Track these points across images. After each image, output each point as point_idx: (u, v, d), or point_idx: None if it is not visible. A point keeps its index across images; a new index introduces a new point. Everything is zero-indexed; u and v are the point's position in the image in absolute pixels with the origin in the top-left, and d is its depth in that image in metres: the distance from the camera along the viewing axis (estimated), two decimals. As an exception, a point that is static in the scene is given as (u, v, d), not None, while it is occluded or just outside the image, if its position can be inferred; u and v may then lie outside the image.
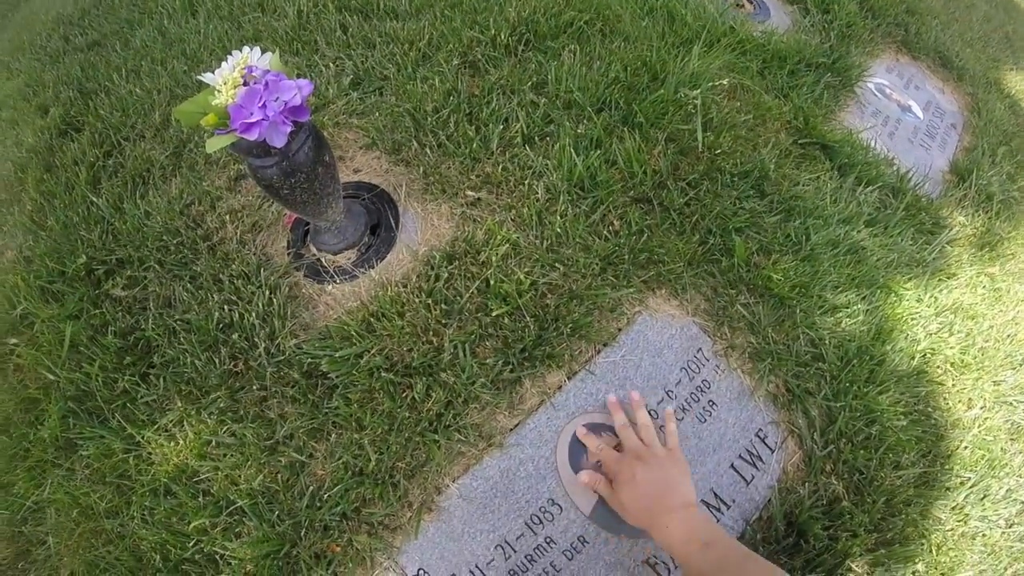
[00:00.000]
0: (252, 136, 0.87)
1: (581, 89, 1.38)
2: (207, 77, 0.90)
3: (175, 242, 1.35)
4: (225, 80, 0.89)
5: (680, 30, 1.61)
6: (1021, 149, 2.06)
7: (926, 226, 1.57)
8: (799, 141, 1.54)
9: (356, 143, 1.38)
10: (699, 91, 1.36)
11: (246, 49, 0.91)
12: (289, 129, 0.91)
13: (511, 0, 1.57)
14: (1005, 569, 1.23)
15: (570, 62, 1.44)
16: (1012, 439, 1.38)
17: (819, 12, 2.02)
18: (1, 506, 1.26)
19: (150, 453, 1.15)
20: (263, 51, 0.91)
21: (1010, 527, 1.27)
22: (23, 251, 1.55)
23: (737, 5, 1.94)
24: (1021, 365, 1.49)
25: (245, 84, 0.89)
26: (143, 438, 1.15)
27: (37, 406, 1.30)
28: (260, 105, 0.88)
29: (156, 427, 1.16)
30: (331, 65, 1.51)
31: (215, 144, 0.90)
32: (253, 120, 0.87)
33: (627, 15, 1.61)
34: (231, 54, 0.91)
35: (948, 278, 1.52)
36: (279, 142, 0.90)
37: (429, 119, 1.34)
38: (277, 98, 0.89)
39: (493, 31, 1.48)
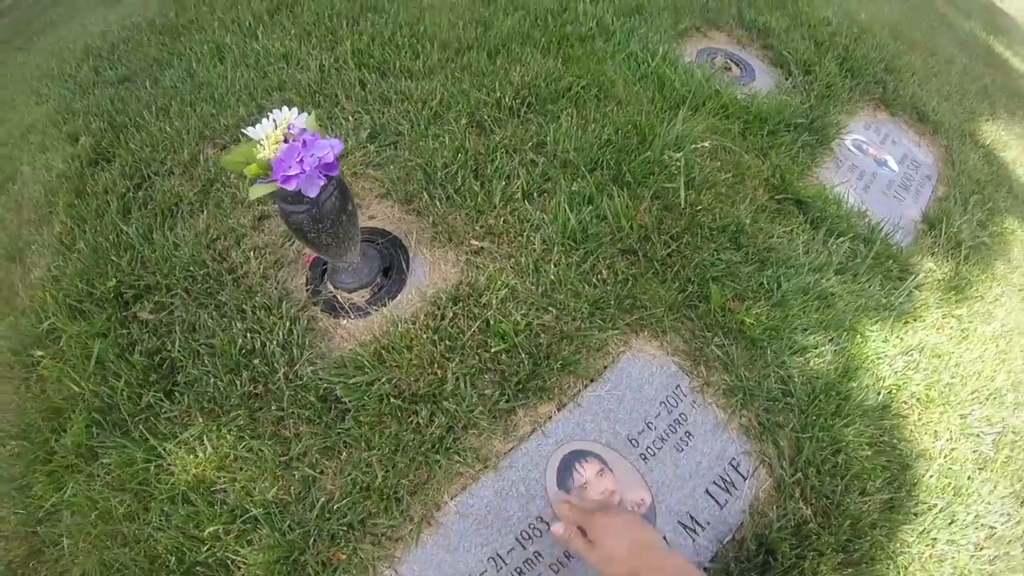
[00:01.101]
0: (290, 187, 1.07)
1: (577, 150, 1.60)
2: (250, 131, 1.09)
3: (202, 273, 1.52)
4: (268, 136, 1.08)
5: (669, 95, 1.84)
6: (994, 196, 2.27)
7: (894, 272, 1.76)
8: (775, 197, 1.75)
9: (372, 192, 1.58)
10: (682, 153, 1.57)
11: (286, 109, 1.10)
12: (322, 183, 1.11)
13: (515, 65, 1.80)
14: None
15: (567, 124, 1.66)
16: (979, 468, 1.54)
17: (801, 74, 2.25)
18: (18, 506, 1.38)
19: (170, 464, 1.29)
20: (300, 110, 1.10)
21: (980, 551, 1.41)
22: (51, 270, 1.71)
23: (725, 68, 2.18)
24: (988, 399, 1.66)
25: (285, 140, 1.08)
26: (164, 450, 1.29)
27: (60, 415, 1.44)
28: (298, 160, 1.08)
29: (177, 440, 1.31)
30: (350, 118, 1.72)
31: (257, 192, 1.09)
32: (292, 173, 1.07)
33: (621, 81, 1.85)
34: (272, 111, 1.10)
35: (915, 320, 1.70)
36: (312, 193, 1.10)
37: (439, 173, 1.54)
38: (313, 155, 1.09)
39: (499, 93, 1.70)
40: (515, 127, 1.67)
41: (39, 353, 1.55)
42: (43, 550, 1.33)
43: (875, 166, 2.12)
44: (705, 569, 1.23)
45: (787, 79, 2.22)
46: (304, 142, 1.09)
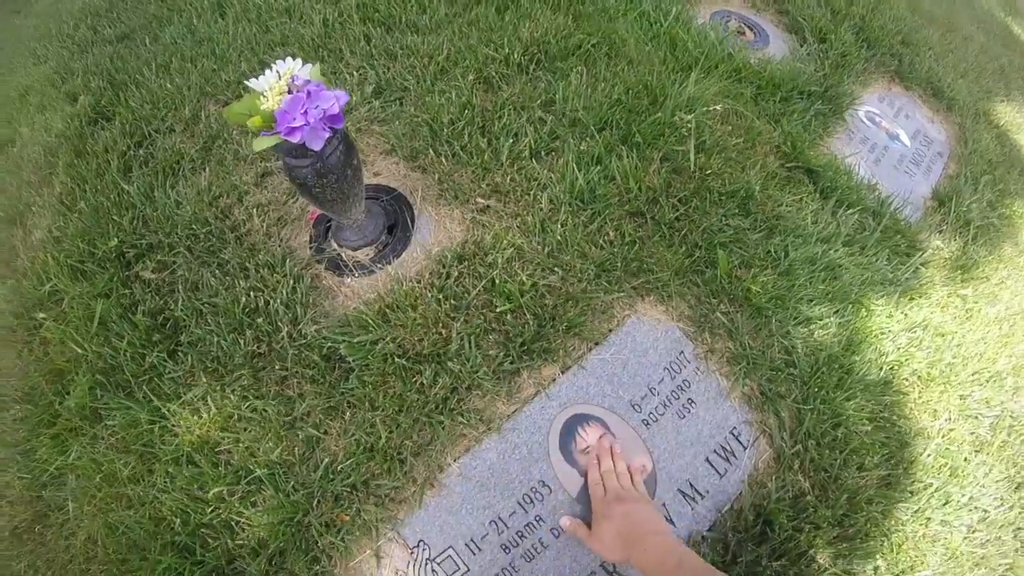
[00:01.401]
0: (294, 139, 1.04)
1: (586, 109, 1.56)
2: (253, 83, 1.07)
3: (204, 231, 1.51)
4: (272, 87, 1.05)
5: (681, 56, 1.79)
6: (1005, 178, 2.24)
7: (902, 248, 1.74)
8: (786, 164, 1.72)
9: (377, 148, 1.56)
10: (693, 115, 1.54)
11: (290, 60, 1.07)
12: (327, 135, 1.08)
13: (524, 21, 1.75)
14: (966, 573, 1.38)
15: (577, 83, 1.62)
16: (976, 451, 1.55)
17: (816, 41, 2.20)
18: (22, 471, 1.39)
19: (175, 425, 1.29)
20: (304, 62, 1.07)
21: (972, 533, 1.43)
22: (52, 231, 1.70)
23: (739, 32, 2.12)
24: (988, 381, 1.65)
25: (289, 92, 1.06)
26: (168, 411, 1.29)
27: (64, 378, 1.44)
28: (302, 112, 1.05)
29: (181, 401, 1.31)
30: (355, 73, 1.68)
31: (261, 144, 1.07)
32: (296, 125, 1.04)
33: (632, 40, 1.80)
34: (275, 63, 1.07)
35: (920, 297, 1.69)
36: (317, 146, 1.07)
37: (445, 130, 1.52)
38: (317, 106, 1.06)
39: (507, 50, 1.66)
40: (523, 84, 1.63)
41: (42, 315, 1.55)
42: (48, 514, 1.35)
43: (887, 139, 2.08)
44: (703, 537, 1.24)
45: (801, 46, 2.17)
46: (308, 93, 1.06)
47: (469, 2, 1.89)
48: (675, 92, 1.63)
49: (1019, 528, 1.49)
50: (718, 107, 1.61)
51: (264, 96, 1.05)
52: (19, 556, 1.35)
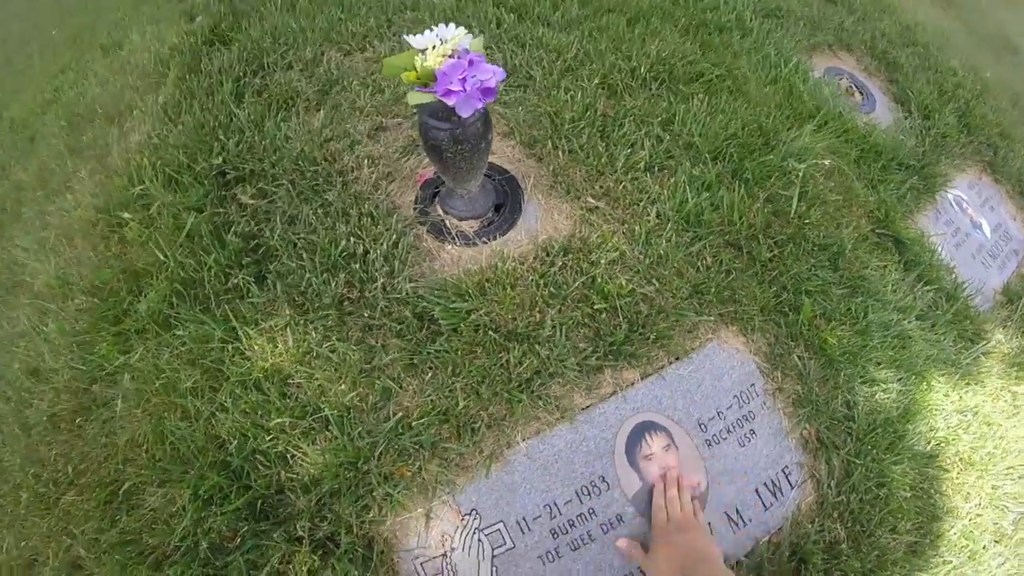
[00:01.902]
0: (450, 101, 1.10)
1: (702, 135, 1.63)
2: (412, 39, 1.12)
3: (311, 169, 1.56)
4: (434, 47, 1.11)
5: (796, 104, 1.86)
6: None
7: (968, 333, 1.80)
8: (877, 230, 1.78)
9: (496, 128, 1.61)
10: (804, 165, 1.60)
11: (452, 26, 1.12)
12: (479, 105, 1.14)
13: (653, 38, 1.82)
14: None
15: (697, 108, 1.69)
16: (996, 541, 1.59)
17: (920, 117, 2.27)
18: (75, 361, 1.42)
19: (247, 349, 1.32)
20: (457, 27, 1.11)
21: None
22: (152, 137, 1.74)
23: (848, 92, 2.20)
24: (1021, 479, 1.69)
25: (451, 56, 1.11)
26: (245, 333, 1.33)
27: (139, 280, 1.47)
28: (460, 78, 1.11)
29: (260, 327, 1.35)
30: (483, 52, 1.74)
31: (416, 99, 1.13)
32: (454, 88, 1.10)
33: (753, 79, 1.87)
34: (438, 26, 1.12)
35: (976, 384, 1.74)
36: (466, 113, 1.13)
37: (566, 126, 1.58)
38: (475, 76, 1.12)
39: (635, 62, 1.72)
40: (646, 98, 1.70)
41: (127, 215, 1.58)
42: (92, 408, 1.37)
43: (970, 227, 2.14)
44: (738, 562, 1.29)
45: (906, 118, 2.23)
46: (471, 62, 1.12)
47: (601, 8, 1.96)
48: (788, 139, 1.69)
49: (1020, 623, 1.53)
50: (827, 162, 1.68)
51: (423, 55, 1.11)
52: (52, 443, 1.37)
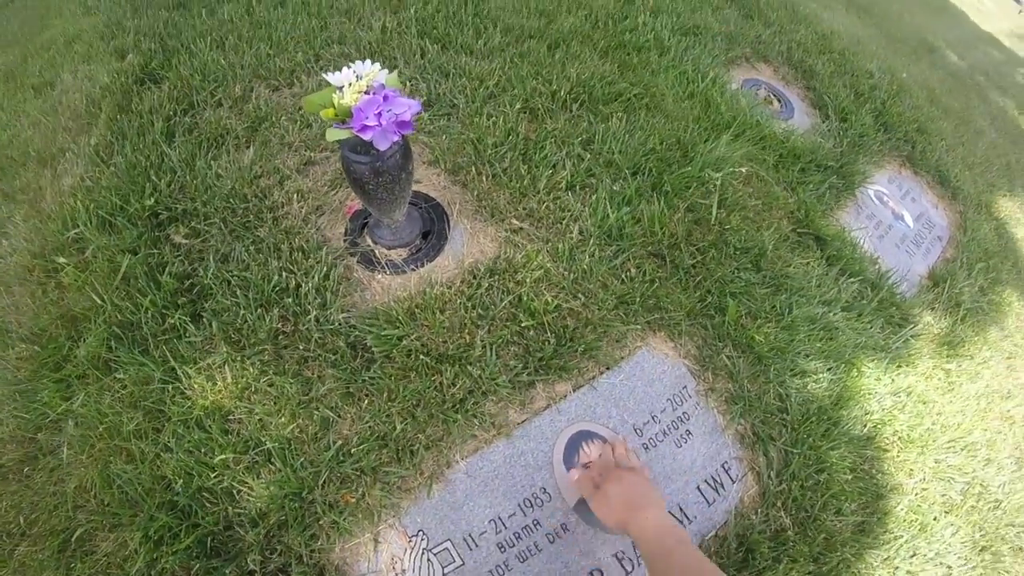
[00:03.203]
0: (366, 136, 1.17)
1: (622, 152, 1.73)
2: (331, 77, 1.19)
3: (242, 206, 1.61)
4: (350, 84, 1.18)
5: (713, 116, 1.99)
6: (998, 267, 2.46)
7: (895, 319, 1.93)
8: (798, 230, 1.91)
9: (421, 157, 1.69)
10: (721, 174, 1.72)
11: (368, 63, 1.20)
12: (396, 139, 1.21)
13: (573, 61, 1.93)
14: None
15: (616, 127, 1.80)
16: (946, 512, 1.70)
17: (837, 119, 2.43)
18: (19, 410, 1.43)
19: (187, 388, 1.36)
20: (382, 67, 1.19)
21: None
22: (84, 180, 1.76)
23: (767, 101, 2.34)
24: (963, 450, 1.83)
25: (367, 93, 1.19)
26: (184, 373, 1.37)
27: (77, 325, 1.50)
28: (376, 112, 1.18)
29: (198, 366, 1.38)
30: (407, 84, 1.83)
31: (334, 135, 1.20)
32: (369, 124, 1.17)
33: (671, 95, 1.99)
34: (355, 63, 1.20)
35: (907, 365, 1.87)
36: (383, 146, 1.20)
37: (489, 151, 1.67)
38: (391, 110, 1.19)
39: (555, 86, 1.83)
40: (566, 120, 1.80)
41: (62, 260, 1.60)
42: (39, 457, 1.37)
43: (892, 219, 2.29)
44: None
45: (823, 122, 2.38)
46: (385, 97, 1.19)
47: (522, 35, 2.07)
48: (705, 150, 1.81)
49: (981, 588, 1.63)
50: (743, 169, 1.80)
51: (341, 91, 1.18)
52: (1, 495, 1.36)
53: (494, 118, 1.75)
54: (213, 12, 2.20)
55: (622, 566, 1.31)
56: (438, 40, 1.98)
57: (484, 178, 1.64)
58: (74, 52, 2.26)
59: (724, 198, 1.75)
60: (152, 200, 1.64)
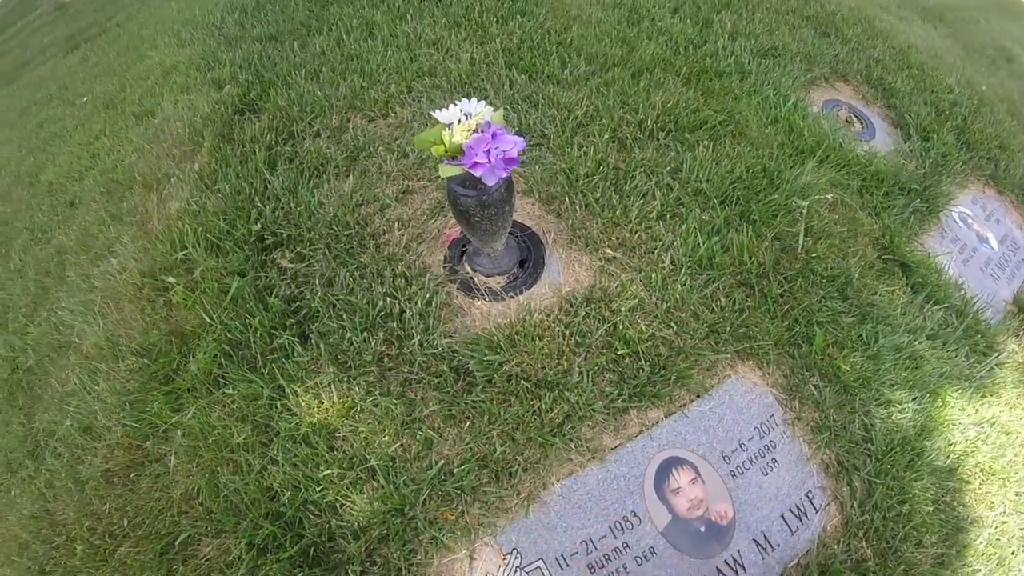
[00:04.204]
0: (477, 173, 1.26)
1: (709, 181, 1.79)
2: (439, 114, 1.29)
3: (345, 233, 1.73)
4: (460, 122, 1.27)
5: (797, 141, 2.02)
6: None
7: (980, 347, 1.91)
8: (883, 256, 1.92)
9: (516, 187, 1.78)
10: (807, 202, 1.75)
11: (474, 101, 1.28)
12: (504, 174, 1.30)
13: (657, 89, 2.00)
14: None
15: (703, 155, 1.85)
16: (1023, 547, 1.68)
17: (919, 139, 2.41)
18: (127, 419, 1.56)
19: (295, 405, 1.47)
20: (479, 101, 1.27)
21: None
22: (191, 204, 1.89)
23: (847, 121, 2.35)
24: None
25: (476, 131, 1.28)
26: (291, 391, 1.48)
27: (187, 341, 1.63)
28: (485, 150, 1.27)
29: (305, 385, 1.49)
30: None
31: (447, 171, 1.30)
32: (480, 161, 1.26)
33: (755, 122, 2.03)
34: (461, 100, 1.28)
35: (992, 395, 1.85)
36: (491, 182, 1.29)
37: (581, 181, 1.75)
38: (499, 148, 1.28)
39: (641, 115, 1.90)
40: (654, 150, 1.87)
41: (171, 279, 1.73)
42: (145, 464, 1.50)
43: (977, 242, 2.26)
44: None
45: (905, 142, 2.37)
46: (493, 135, 1.29)
47: (607, 63, 2.15)
48: (791, 177, 1.85)
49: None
50: (829, 196, 1.83)
51: (450, 129, 1.28)
52: (106, 498, 1.49)
53: (584, 148, 1.84)
54: (305, 45, 2.35)
55: (714, 591, 1.37)
56: (525, 70, 2.07)
57: (577, 207, 1.72)
58: (172, 82, 2.44)
59: (810, 226, 1.79)
60: (258, 225, 1.77)
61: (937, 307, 1.91)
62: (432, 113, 1.31)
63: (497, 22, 2.36)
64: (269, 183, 1.88)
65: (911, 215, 2.08)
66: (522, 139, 1.29)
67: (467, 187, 1.36)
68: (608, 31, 2.40)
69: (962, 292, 2.04)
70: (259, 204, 1.82)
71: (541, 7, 2.50)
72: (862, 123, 2.39)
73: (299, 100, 2.10)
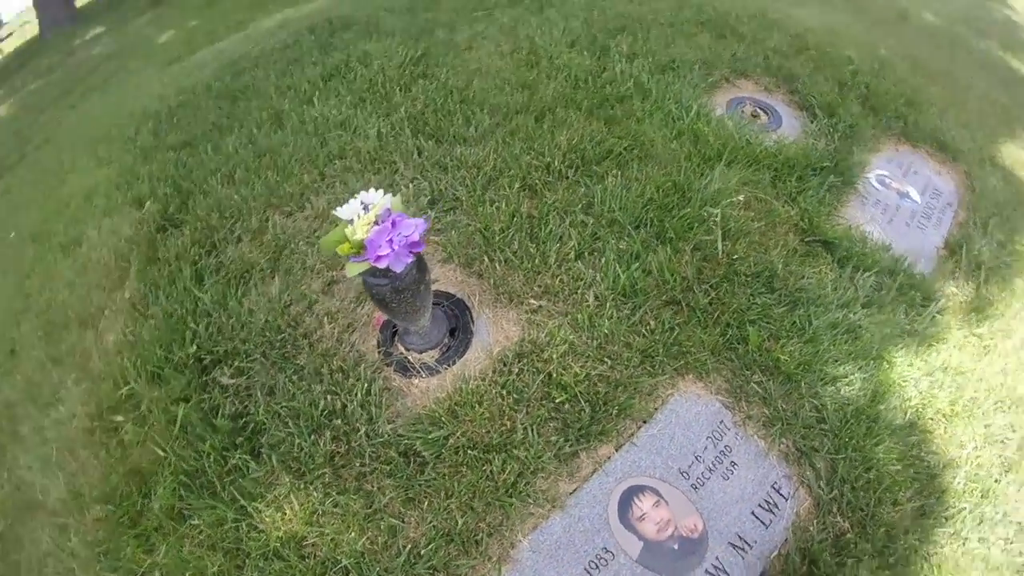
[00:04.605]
0: (382, 265, 1.36)
1: (622, 209, 1.91)
2: (340, 212, 1.38)
3: (279, 338, 1.82)
4: (359, 216, 1.36)
5: (704, 150, 2.15)
6: (1013, 216, 2.52)
7: (917, 300, 2.02)
8: (805, 240, 2.03)
9: (435, 257, 1.89)
10: (719, 208, 1.87)
11: (372, 191, 1.38)
12: (409, 260, 1.39)
13: (561, 128, 2.13)
14: None
15: (612, 185, 1.98)
16: (1006, 471, 1.77)
17: (825, 116, 2.56)
18: (105, 569, 1.60)
19: (260, 522, 1.53)
20: (384, 191, 1.37)
21: (1009, 544, 1.65)
22: (127, 335, 1.98)
23: (754, 115, 2.50)
24: (1011, 407, 1.90)
25: (376, 222, 1.37)
26: (254, 509, 1.54)
27: (146, 479, 1.69)
28: (388, 240, 1.36)
29: (266, 499, 1.56)
30: (410, 185, 2.05)
31: (354, 270, 1.39)
32: (383, 253, 1.35)
33: (659, 139, 2.17)
34: (359, 193, 1.38)
35: (938, 342, 1.95)
36: (399, 268, 1.38)
37: (497, 237, 1.86)
38: (400, 234, 1.37)
39: (548, 158, 2.03)
40: (565, 189, 1.99)
41: (120, 418, 1.80)
42: None
43: (898, 199, 2.39)
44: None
45: (812, 122, 2.52)
46: (393, 223, 1.38)
47: (510, 112, 2.29)
48: (701, 187, 1.97)
49: (1056, 533, 1.66)
50: (740, 197, 1.95)
51: (352, 226, 1.37)
52: None
53: (496, 203, 1.96)
54: (218, 147, 2.47)
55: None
56: (431, 136, 2.20)
57: (497, 265, 1.83)
58: (94, 206, 2.53)
59: (727, 229, 1.90)
60: (194, 347, 1.84)
61: (867, 274, 2.03)
62: (334, 212, 1.41)
63: (400, 90, 2.51)
64: (199, 299, 1.96)
65: (827, 192, 2.21)
66: (423, 220, 1.39)
67: (378, 276, 1.45)
68: (508, 79, 2.56)
69: (890, 252, 2.16)
70: (192, 324, 1.90)
71: (442, 67, 2.67)
72: (768, 114, 2.53)
73: (218, 207, 2.20)
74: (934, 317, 2.01)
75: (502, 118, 2.30)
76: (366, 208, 1.38)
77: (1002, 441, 1.82)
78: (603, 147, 2.12)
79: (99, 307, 2.20)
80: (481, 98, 2.44)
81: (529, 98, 2.42)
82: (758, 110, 2.53)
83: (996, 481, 1.74)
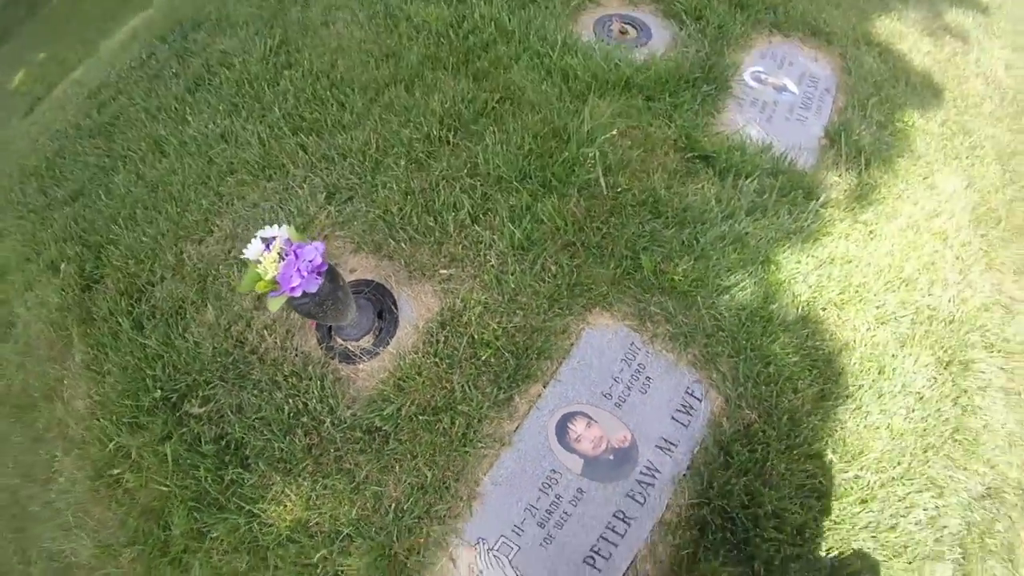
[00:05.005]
0: (296, 293, 1.62)
1: (506, 164, 2.15)
2: (248, 253, 1.62)
3: (229, 360, 2.08)
4: (265, 257, 1.60)
5: (575, 86, 2.35)
6: (892, 94, 2.72)
7: (799, 199, 2.30)
8: (685, 157, 2.30)
9: (346, 249, 2.14)
10: (596, 146, 2.11)
11: (269, 228, 1.61)
12: (318, 281, 1.65)
13: (433, 93, 2.30)
14: (915, 446, 1.93)
15: (492, 142, 2.20)
16: (901, 346, 2.08)
17: (693, 20, 2.72)
18: None
19: (268, 519, 1.87)
20: (279, 225, 1.61)
21: (911, 413, 1.98)
22: (93, 397, 2.20)
23: (622, 32, 2.65)
24: (901, 287, 2.19)
25: (280, 257, 1.61)
26: (259, 510, 1.88)
27: (160, 515, 1.98)
28: (295, 270, 1.61)
29: (266, 500, 1.89)
30: (304, 185, 2.25)
31: (275, 304, 1.64)
32: (295, 284, 1.61)
33: (529, 85, 2.37)
34: (257, 233, 1.61)
35: (824, 235, 2.25)
36: (313, 290, 1.64)
37: (396, 219, 2.10)
38: (304, 260, 1.62)
39: (426, 128, 2.22)
40: (449, 156, 2.22)
41: (117, 471, 2.05)
42: None
43: (775, 93, 2.57)
44: (683, 476, 1.86)
45: (681, 29, 2.68)
46: (296, 254, 1.63)
47: (380, 86, 2.44)
48: (576, 127, 2.20)
49: (956, 396, 2.05)
50: (615, 132, 2.19)
51: (261, 265, 1.61)
52: None
53: (388, 185, 2.18)
54: (109, 191, 2.59)
55: (635, 500, 1.83)
56: (311, 130, 2.37)
57: (403, 244, 2.09)
58: (13, 283, 2.64)
59: (607, 165, 2.17)
60: (158, 391, 2.08)
61: (749, 180, 2.28)
62: (242, 254, 1.63)
63: (269, 86, 2.63)
64: (146, 346, 2.18)
65: (702, 102, 2.43)
66: (320, 243, 1.63)
67: (300, 297, 1.70)
68: (370, 50, 2.68)
69: (771, 152, 2.36)
70: (149, 371, 2.12)
71: (304, 50, 2.75)
72: (637, 28, 2.68)
73: (131, 253, 2.37)
74: (817, 212, 2.28)
75: (374, 94, 2.46)
76: (267, 244, 1.61)
77: (894, 319, 2.12)
78: (476, 104, 2.32)
79: (57, 378, 2.36)
80: (349, 77, 2.57)
81: (396, 67, 2.57)
82: (626, 26, 2.68)
83: (892, 357, 2.04)
